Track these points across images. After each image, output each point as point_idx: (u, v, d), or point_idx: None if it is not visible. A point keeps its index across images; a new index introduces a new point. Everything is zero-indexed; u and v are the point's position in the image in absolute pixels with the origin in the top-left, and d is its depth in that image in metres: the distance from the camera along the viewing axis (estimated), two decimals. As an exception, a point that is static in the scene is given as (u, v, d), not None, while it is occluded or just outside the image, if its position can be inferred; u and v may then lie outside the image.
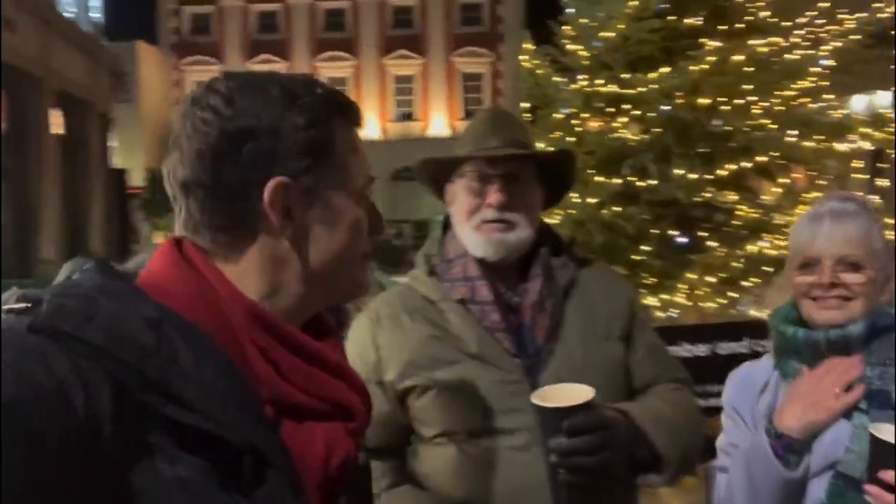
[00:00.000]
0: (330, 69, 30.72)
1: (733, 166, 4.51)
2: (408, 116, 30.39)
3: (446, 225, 1.39)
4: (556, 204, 1.45)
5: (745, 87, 4.44)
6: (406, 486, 1.27)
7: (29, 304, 0.60)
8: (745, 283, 4.48)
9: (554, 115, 4.98)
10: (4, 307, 0.62)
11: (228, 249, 0.70)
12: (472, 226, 1.27)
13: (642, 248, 4.53)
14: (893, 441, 1.06)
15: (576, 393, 1.07)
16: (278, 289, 0.71)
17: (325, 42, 30.74)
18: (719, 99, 4.47)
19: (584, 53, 4.89)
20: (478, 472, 1.20)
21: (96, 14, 17.07)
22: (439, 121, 29.42)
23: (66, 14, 14.39)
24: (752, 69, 4.45)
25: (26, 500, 0.50)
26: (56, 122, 13.20)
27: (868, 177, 5.33)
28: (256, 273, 0.70)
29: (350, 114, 0.76)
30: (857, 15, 4.77)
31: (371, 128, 30.22)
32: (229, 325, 0.65)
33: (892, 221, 4.48)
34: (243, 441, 0.60)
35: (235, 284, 0.69)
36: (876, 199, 4.85)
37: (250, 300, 0.68)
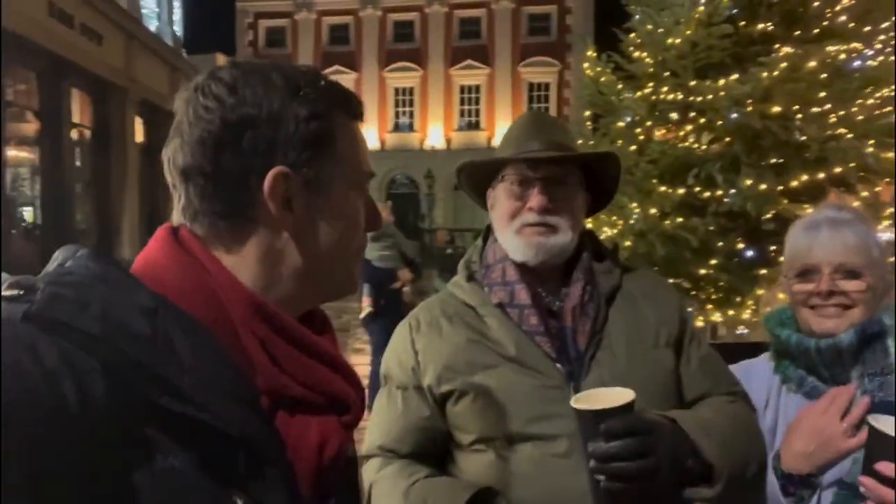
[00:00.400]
0: (398, 80, 31.22)
1: (807, 178, 4.30)
2: (473, 126, 30.50)
3: (487, 232, 1.36)
4: (602, 209, 1.40)
5: (820, 95, 4.23)
6: (444, 477, 1.23)
7: (21, 291, 0.58)
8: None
9: (617, 123, 4.88)
10: None
11: (227, 238, 0.69)
12: (513, 230, 1.25)
13: (708, 261, 4.37)
14: (893, 434, 1.00)
15: (618, 396, 1.02)
16: (275, 280, 0.71)
17: (394, 53, 31.28)
18: (793, 108, 4.28)
19: (650, 60, 4.78)
20: (517, 479, 1.16)
21: (178, 28, 17.91)
22: (504, 131, 29.40)
23: (149, 27, 15.17)
24: (826, 76, 4.24)
25: (17, 494, 0.49)
26: (138, 131, 13.90)
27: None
28: (254, 263, 0.70)
29: (351, 107, 0.75)
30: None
31: (435, 137, 30.48)
32: (227, 314, 0.65)
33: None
34: (239, 433, 0.59)
35: (233, 273, 0.68)
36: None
37: (249, 289, 0.68)
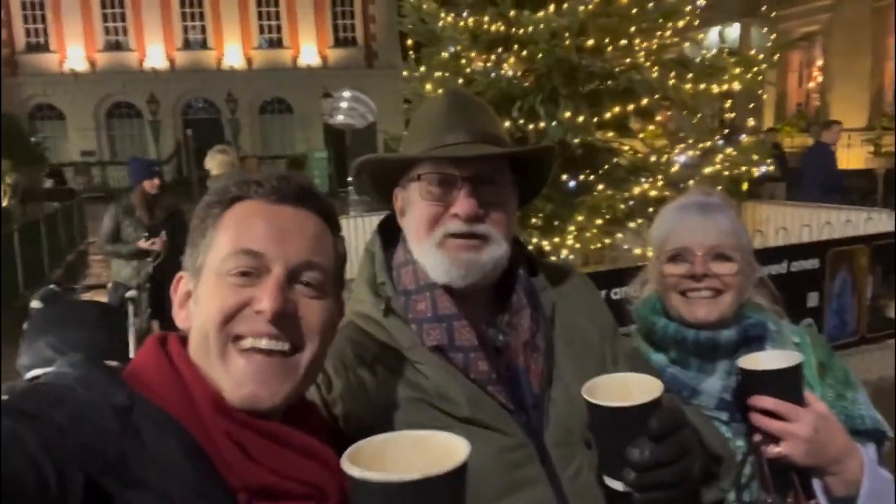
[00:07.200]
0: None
1: (617, 108, 4.60)
2: (275, 44, 28.56)
3: (387, 238, 1.07)
4: (524, 207, 1.12)
5: (630, 28, 4.48)
6: None
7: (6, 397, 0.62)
8: (630, 224, 4.65)
9: (442, 54, 4.80)
10: None
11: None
12: (434, 242, 0.98)
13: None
14: (761, 369, 1.07)
15: (619, 385, 0.85)
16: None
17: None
18: (604, 41, 4.49)
19: (470, -11, 4.72)
20: None
21: None
22: (309, 49, 27.97)
23: None
24: (634, 10, 4.48)
25: None
26: None
27: (732, 116, 5.65)
28: None
29: (240, 191, 0.77)
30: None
31: (233, 56, 28.24)
32: (198, 412, 0.69)
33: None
34: None
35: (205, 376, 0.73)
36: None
37: (212, 388, 0.71)
